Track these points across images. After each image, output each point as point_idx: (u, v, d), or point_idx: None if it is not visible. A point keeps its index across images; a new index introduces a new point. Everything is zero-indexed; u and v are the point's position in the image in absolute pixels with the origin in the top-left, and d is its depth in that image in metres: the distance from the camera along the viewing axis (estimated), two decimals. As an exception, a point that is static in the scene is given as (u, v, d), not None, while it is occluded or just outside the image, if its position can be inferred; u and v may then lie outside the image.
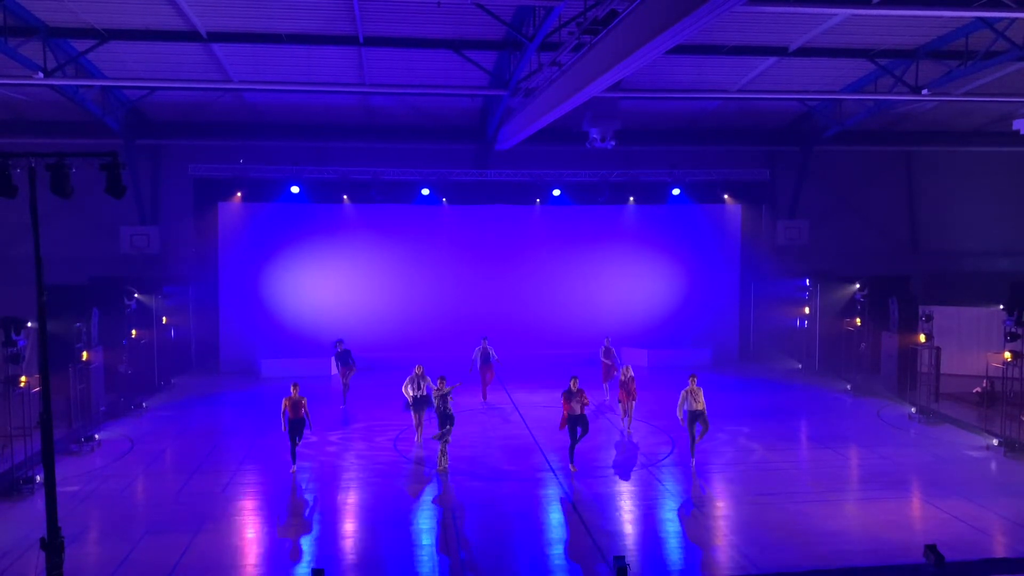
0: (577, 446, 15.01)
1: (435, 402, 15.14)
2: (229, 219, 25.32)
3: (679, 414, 15.15)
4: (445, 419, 14.98)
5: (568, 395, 14.92)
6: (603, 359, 21.00)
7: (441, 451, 15.03)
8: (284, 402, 14.92)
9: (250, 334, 25.35)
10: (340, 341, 20.87)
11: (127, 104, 23.82)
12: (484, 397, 21.06)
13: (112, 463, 15.60)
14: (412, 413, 16.63)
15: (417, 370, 16.62)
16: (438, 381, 15.32)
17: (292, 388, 15.08)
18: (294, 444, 14.95)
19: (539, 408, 20.05)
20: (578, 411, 14.86)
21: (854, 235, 29.88)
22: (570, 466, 14.95)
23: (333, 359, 21.36)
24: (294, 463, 15.01)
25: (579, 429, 14.92)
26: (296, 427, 14.86)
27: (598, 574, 10.68)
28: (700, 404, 14.92)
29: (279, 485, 14.30)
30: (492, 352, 20.96)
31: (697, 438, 15.05)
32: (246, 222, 25.38)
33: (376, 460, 15.61)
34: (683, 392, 15.03)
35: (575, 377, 15.24)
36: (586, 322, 26.55)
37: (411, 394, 16.49)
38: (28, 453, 14.46)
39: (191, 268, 25.59)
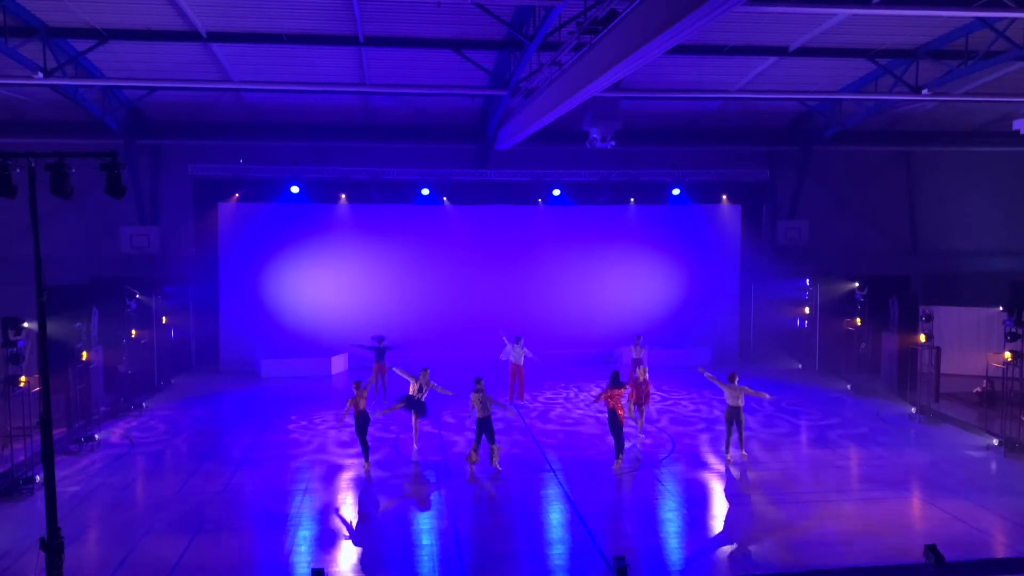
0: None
1: (473, 404, 14.85)
2: (229, 219, 25.32)
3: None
4: (483, 425, 14.70)
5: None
6: (634, 358, 20.54)
7: (492, 451, 14.87)
8: (349, 403, 14.99)
9: (250, 334, 25.34)
10: (381, 338, 20.96)
11: (127, 104, 23.82)
12: (521, 397, 20.60)
13: (112, 463, 15.61)
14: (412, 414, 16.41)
15: (423, 375, 16.07)
16: (475, 382, 15.01)
17: (354, 387, 15.10)
18: (363, 442, 14.96)
19: (539, 408, 20.06)
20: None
21: (854, 235, 29.88)
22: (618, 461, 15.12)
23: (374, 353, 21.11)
24: (367, 460, 15.02)
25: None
26: (362, 422, 14.88)
27: (598, 574, 10.68)
28: (737, 402, 15.24)
29: (279, 485, 14.29)
30: (524, 352, 20.56)
31: (735, 435, 15.40)
32: (246, 222, 25.36)
33: (377, 460, 15.59)
34: (726, 390, 15.38)
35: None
36: (586, 322, 26.60)
37: (412, 395, 16.26)
38: (28, 453, 14.45)
39: (191, 268, 25.58)
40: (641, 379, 17.11)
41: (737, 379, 15.41)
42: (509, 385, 20.64)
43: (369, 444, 15.18)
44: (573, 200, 26.30)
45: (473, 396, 14.84)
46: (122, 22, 17.82)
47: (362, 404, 15.01)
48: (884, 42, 19.61)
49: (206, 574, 10.69)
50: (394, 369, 17.16)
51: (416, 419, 16.26)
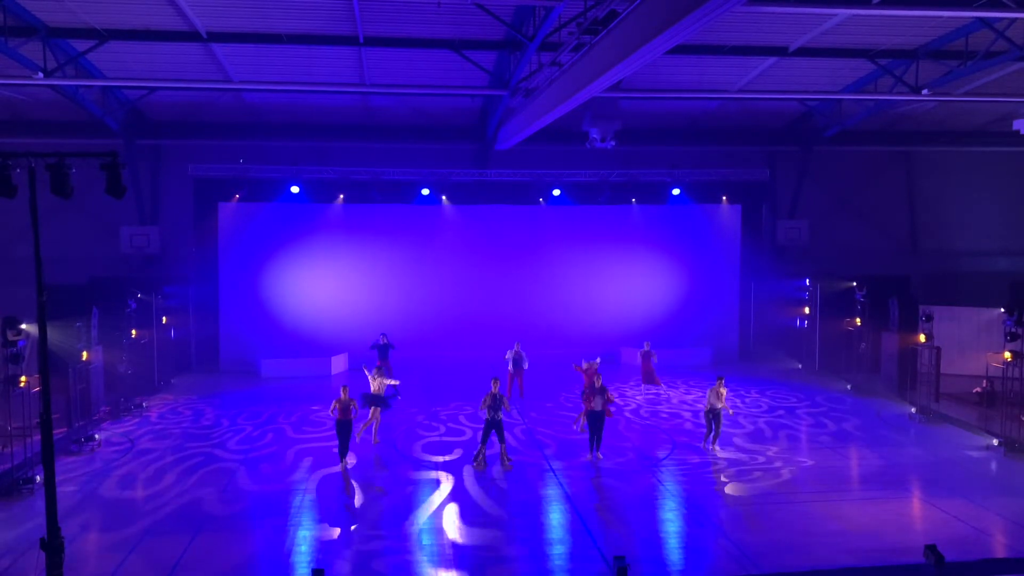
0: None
1: (483, 405, 15.02)
2: (229, 219, 25.33)
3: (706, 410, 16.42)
4: (492, 426, 14.95)
5: (591, 391, 15.65)
6: (641, 361, 21.63)
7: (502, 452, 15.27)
8: (334, 403, 15.21)
9: (250, 334, 25.35)
10: (383, 335, 21.26)
11: (127, 104, 23.83)
12: (519, 394, 20.83)
13: (112, 463, 15.60)
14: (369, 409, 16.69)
15: (377, 372, 17.04)
16: (492, 383, 15.26)
17: (342, 391, 15.26)
18: (342, 443, 15.18)
19: (539, 408, 20.05)
20: (599, 407, 15.47)
21: (854, 235, 29.91)
22: (594, 455, 15.45)
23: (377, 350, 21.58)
24: (342, 459, 15.23)
25: (598, 423, 15.53)
26: (343, 428, 15.11)
27: (598, 574, 10.68)
28: (718, 404, 16.00)
29: (279, 485, 14.29)
30: (524, 356, 20.86)
31: (710, 435, 16.18)
32: (246, 222, 25.37)
33: (377, 459, 15.58)
34: (709, 391, 16.13)
35: (599, 375, 16.28)
36: (586, 322, 26.62)
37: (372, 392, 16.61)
38: (28, 453, 14.45)
39: (191, 268, 25.59)
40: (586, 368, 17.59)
41: (722, 382, 16.15)
42: (508, 386, 20.74)
43: (349, 447, 15.37)
44: (573, 200, 26.31)
45: (486, 397, 15.04)
46: (122, 22, 17.83)
47: (349, 413, 15.11)
48: (884, 42, 19.62)
49: (206, 574, 10.69)
50: (363, 368, 17.73)
51: (378, 413, 16.61)
